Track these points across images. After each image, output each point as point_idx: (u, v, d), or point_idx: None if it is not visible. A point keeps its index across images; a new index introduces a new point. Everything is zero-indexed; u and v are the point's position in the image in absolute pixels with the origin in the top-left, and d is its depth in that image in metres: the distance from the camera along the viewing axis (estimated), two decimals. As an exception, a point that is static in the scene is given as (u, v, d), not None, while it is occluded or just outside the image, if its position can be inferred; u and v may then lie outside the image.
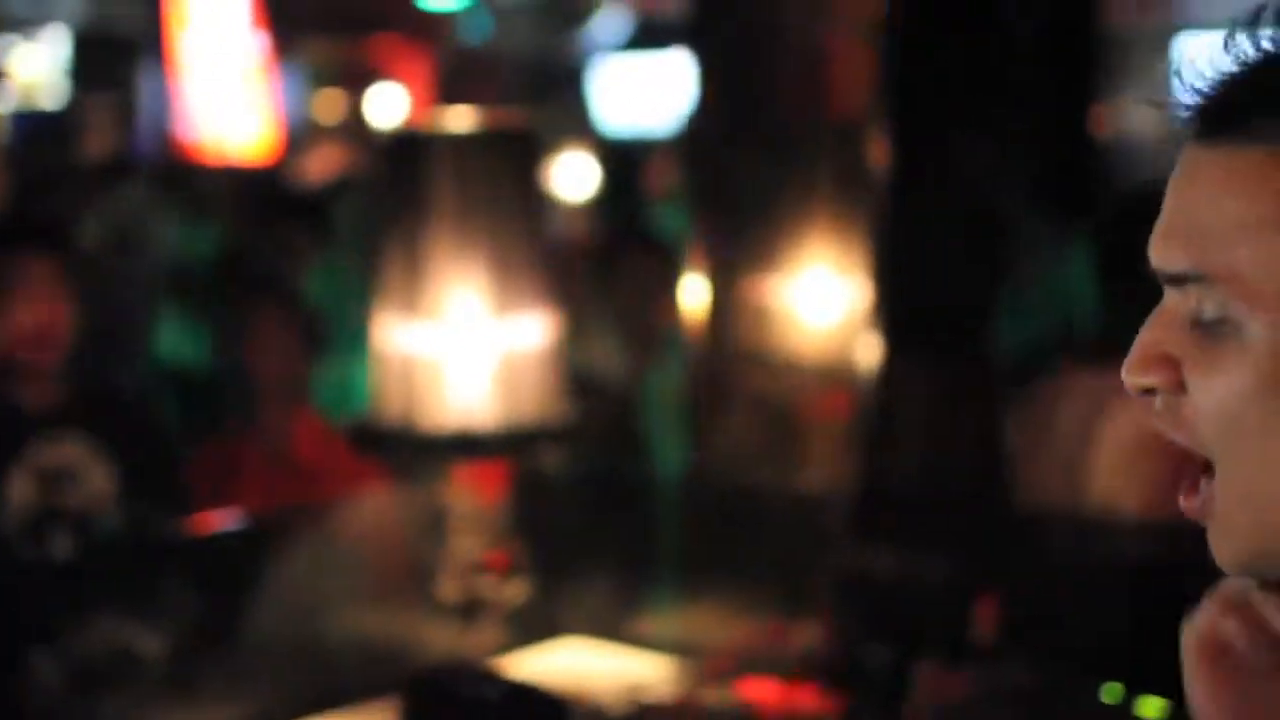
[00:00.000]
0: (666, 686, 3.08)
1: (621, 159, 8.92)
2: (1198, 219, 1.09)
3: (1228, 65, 1.09)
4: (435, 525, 3.13)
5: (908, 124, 3.94)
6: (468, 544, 3.07)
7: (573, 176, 8.49)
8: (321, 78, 11.63)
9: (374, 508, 3.78)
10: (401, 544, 3.44)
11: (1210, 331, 1.09)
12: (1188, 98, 1.10)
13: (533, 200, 3.18)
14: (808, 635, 3.17)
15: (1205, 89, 1.09)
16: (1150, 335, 1.13)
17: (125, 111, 10.54)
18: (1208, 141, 1.09)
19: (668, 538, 3.73)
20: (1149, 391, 1.13)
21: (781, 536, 3.50)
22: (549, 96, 11.03)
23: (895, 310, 3.88)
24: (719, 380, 4.21)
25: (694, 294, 4.22)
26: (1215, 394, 1.08)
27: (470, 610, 3.07)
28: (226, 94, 9.71)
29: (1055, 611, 3.13)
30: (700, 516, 3.79)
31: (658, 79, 9.43)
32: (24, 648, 3.33)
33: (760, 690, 2.98)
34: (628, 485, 4.10)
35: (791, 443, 4.06)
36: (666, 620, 3.51)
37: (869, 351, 3.89)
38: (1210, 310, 1.08)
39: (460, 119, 3.14)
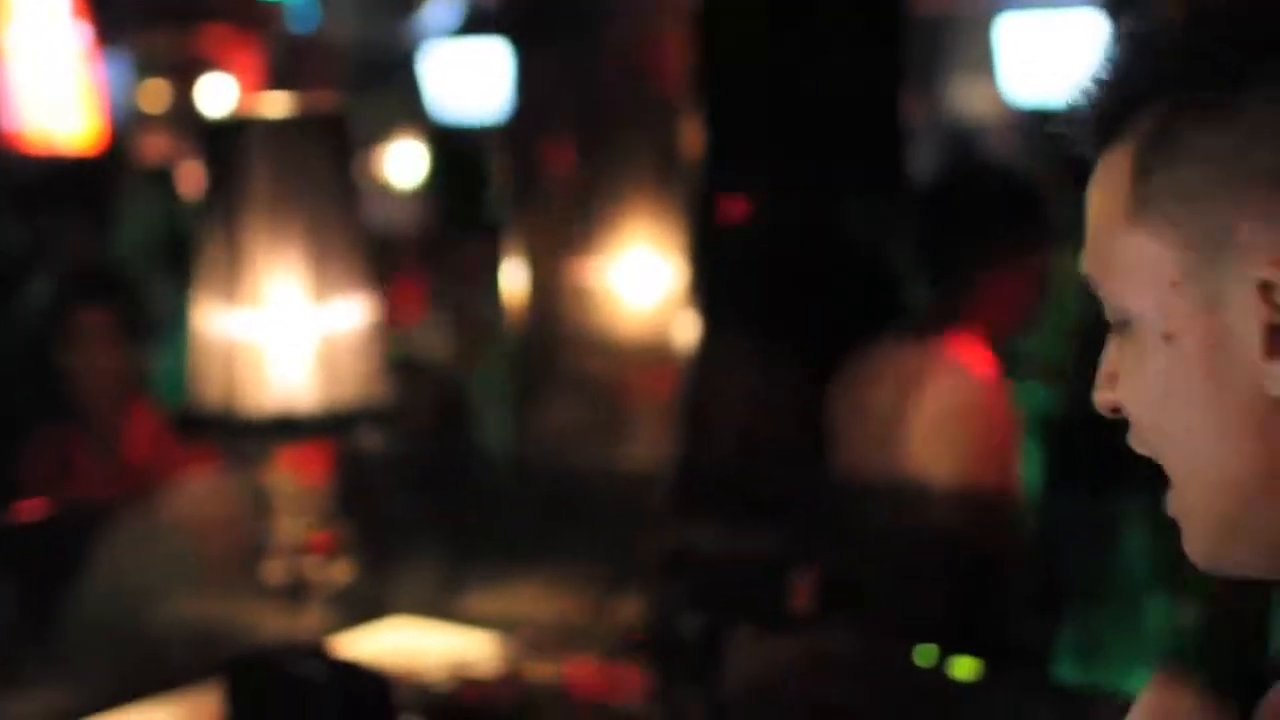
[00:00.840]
0: (490, 662, 3.12)
1: (453, 145, 8.92)
2: (1089, 225, 1.10)
3: (1099, 75, 1.09)
4: (261, 508, 3.14)
5: (722, 107, 4.00)
6: (292, 525, 3.09)
7: (405, 163, 8.48)
8: (148, 68, 11.49)
9: (199, 493, 3.78)
10: (227, 528, 3.44)
11: (1123, 336, 1.09)
12: (1075, 113, 1.11)
13: (349, 183, 3.19)
14: (629, 609, 3.23)
15: (1087, 101, 1.10)
16: (1105, 357, 1.12)
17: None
18: (1099, 150, 1.11)
19: (492, 516, 3.77)
20: (1117, 412, 1.11)
21: (604, 513, 3.55)
22: (380, 84, 10.98)
23: (712, 289, 3.95)
24: (541, 361, 4.25)
25: (516, 277, 4.25)
26: (1134, 397, 1.09)
27: (296, 591, 3.09)
28: (50, 84, 9.56)
29: (871, 578, 3.20)
30: (524, 495, 3.83)
31: (489, 65, 9.44)
32: None
33: (581, 666, 3.03)
34: (452, 465, 4.12)
35: (613, 421, 4.11)
36: (491, 598, 3.54)
37: (688, 330, 3.94)
38: (1117, 313, 1.09)
39: (275, 105, 3.15)
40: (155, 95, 10.48)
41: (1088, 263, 1.11)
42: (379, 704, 2.54)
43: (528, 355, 4.33)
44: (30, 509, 3.84)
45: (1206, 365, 1.03)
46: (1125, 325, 1.08)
